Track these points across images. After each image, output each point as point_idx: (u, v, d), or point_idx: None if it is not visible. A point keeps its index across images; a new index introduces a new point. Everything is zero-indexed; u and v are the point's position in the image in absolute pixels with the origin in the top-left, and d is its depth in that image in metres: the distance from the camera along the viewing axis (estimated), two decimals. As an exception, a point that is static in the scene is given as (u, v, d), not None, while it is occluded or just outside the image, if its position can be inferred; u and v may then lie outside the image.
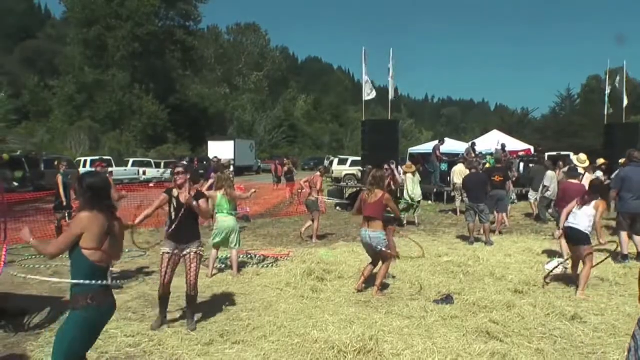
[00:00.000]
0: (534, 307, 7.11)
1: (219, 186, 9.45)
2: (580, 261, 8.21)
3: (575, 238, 8.07)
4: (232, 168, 21.79)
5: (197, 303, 6.88)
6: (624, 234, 10.24)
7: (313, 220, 13.37)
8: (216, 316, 6.93)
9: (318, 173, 13.98)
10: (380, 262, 8.15)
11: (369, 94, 19.93)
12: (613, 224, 12.11)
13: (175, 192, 6.56)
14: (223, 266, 9.88)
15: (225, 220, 9.26)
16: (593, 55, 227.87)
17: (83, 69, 54.30)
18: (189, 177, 6.62)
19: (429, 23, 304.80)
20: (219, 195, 9.26)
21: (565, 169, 14.04)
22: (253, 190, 10.50)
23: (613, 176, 12.74)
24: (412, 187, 15.36)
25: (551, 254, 10.76)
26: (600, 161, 14.24)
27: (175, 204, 6.53)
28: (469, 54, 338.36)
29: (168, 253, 6.48)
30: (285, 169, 25.50)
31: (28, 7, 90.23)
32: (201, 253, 6.69)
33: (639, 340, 3.34)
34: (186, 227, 6.48)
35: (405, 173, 15.54)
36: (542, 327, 6.42)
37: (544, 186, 14.92)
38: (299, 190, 19.77)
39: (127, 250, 11.40)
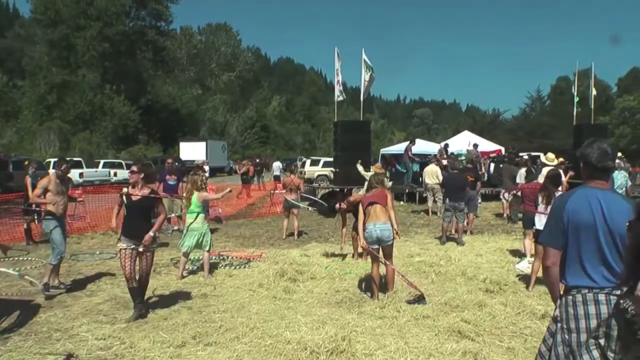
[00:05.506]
0: (505, 306, 7.18)
1: (188, 187, 9.49)
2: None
3: None
4: (207, 168, 21.63)
5: (156, 301, 7.50)
6: None
7: (295, 218, 13.75)
8: (188, 318, 6.87)
9: (292, 175, 14.20)
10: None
11: (338, 95, 19.95)
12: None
13: (125, 190, 7.07)
14: (195, 268, 9.83)
15: (193, 223, 9.19)
16: (562, 57, 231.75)
17: (50, 69, 53.45)
18: (142, 176, 7.05)
19: (401, 24, 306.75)
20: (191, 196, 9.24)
21: (524, 171, 14.25)
22: (228, 190, 10.50)
23: None
24: None
25: (522, 253, 10.86)
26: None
27: (127, 202, 6.97)
28: (440, 55, 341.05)
29: (124, 248, 6.86)
30: (244, 169, 24.60)
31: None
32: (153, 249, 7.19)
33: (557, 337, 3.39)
34: (138, 222, 6.90)
35: None
36: (512, 326, 6.48)
37: (517, 184, 15.01)
38: (272, 192, 19.85)
39: (97, 252, 11.37)
